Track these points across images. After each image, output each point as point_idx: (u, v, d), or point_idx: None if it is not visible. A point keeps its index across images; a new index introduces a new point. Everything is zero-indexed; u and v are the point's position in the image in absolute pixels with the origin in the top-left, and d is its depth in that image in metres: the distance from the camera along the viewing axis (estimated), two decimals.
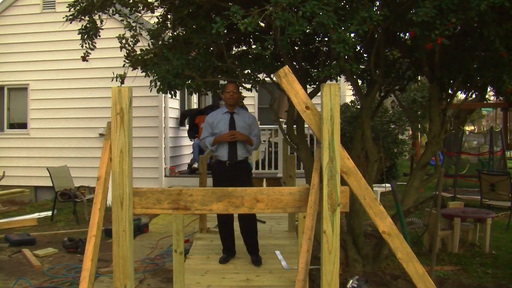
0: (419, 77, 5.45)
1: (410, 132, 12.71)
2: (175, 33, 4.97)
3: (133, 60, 4.86)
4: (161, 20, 5.03)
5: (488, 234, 5.88)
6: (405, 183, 5.16)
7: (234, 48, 5.24)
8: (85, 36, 4.71)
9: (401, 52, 4.92)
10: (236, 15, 3.21)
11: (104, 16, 4.81)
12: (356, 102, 10.05)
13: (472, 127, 37.01)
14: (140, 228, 7.03)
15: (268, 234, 6.45)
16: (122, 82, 4.83)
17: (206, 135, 4.90)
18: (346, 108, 9.94)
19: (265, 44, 3.38)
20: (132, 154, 2.52)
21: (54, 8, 9.92)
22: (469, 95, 5.14)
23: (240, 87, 5.55)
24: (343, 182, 2.42)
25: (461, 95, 9.09)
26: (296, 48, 4.87)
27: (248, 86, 5.33)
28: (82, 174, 9.31)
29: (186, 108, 11.46)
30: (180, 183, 9.17)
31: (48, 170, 8.20)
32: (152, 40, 5.00)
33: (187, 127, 11.05)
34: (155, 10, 4.90)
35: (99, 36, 4.81)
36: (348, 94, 11.86)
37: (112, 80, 4.78)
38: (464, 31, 4.19)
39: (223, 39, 4.51)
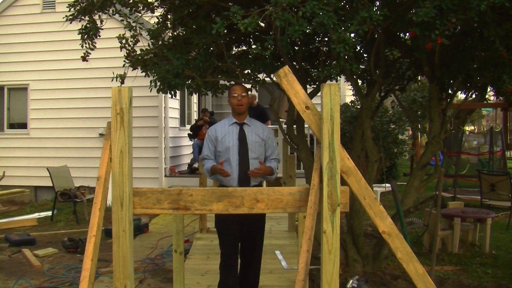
0: (419, 77, 5.45)
1: (410, 132, 12.71)
2: (175, 33, 4.96)
3: (133, 60, 4.85)
4: (161, 20, 5.03)
5: (488, 234, 5.88)
6: (405, 183, 5.16)
7: (234, 48, 5.23)
8: (85, 36, 4.71)
9: (401, 52, 4.92)
10: (236, 15, 3.21)
11: (104, 16, 4.80)
12: (356, 102, 10.06)
13: (472, 127, 37.01)
14: (140, 228, 7.04)
15: (268, 234, 6.44)
16: (122, 82, 4.83)
17: (207, 154, 3.73)
18: (346, 108, 9.94)
19: (265, 44, 3.38)
20: (132, 154, 2.51)
21: (54, 8, 9.93)
22: (469, 95, 5.15)
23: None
24: (343, 182, 2.41)
25: (461, 95, 9.11)
26: (296, 48, 4.87)
27: (248, 86, 5.33)
28: (82, 174, 9.32)
29: (186, 108, 11.48)
30: (180, 183, 9.18)
31: (48, 170, 8.20)
32: (152, 40, 5.00)
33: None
34: (155, 10, 4.90)
35: (99, 36, 4.81)
36: (348, 94, 11.87)
37: (112, 80, 4.78)
38: (464, 31, 4.19)
39: (223, 39, 4.50)
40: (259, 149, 3.68)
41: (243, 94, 3.67)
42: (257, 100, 10.49)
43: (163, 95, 8.74)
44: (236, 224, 3.65)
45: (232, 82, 4.90)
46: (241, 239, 3.77)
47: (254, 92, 6.84)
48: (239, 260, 3.92)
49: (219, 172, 3.54)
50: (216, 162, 3.64)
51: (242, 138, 3.66)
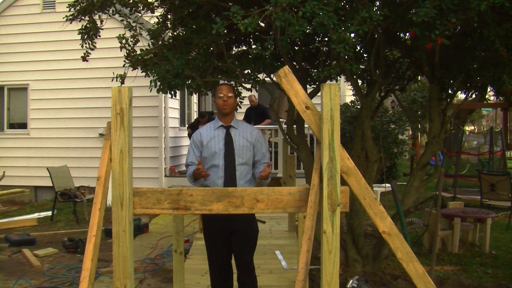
0: (419, 77, 5.45)
1: (410, 132, 12.71)
2: (175, 33, 4.96)
3: (133, 60, 4.85)
4: (161, 20, 5.02)
5: (488, 234, 5.88)
6: (405, 183, 5.16)
7: (234, 48, 5.23)
8: (85, 36, 4.71)
9: (401, 52, 4.92)
10: (236, 16, 3.21)
11: (104, 16, 4.80)
12: (356, 102, 10.05)
13: (472, 127, 37.05)
14: (140, 228, 7.03)
15: (268, 234, 6.45)
16: (122, 82, 4.83)
17: (191, 161, 3.44)
18: (346, 108, 9.94)
19: (265, 44, 3.38)
20: (132, 154, 2.51)
21: (54, 8, 9.93)
22: (469, 95, 5.15)
23: (240, 87, 5.51)
24: (343, 182, 2.41)
25: (461, 95, 9.11)
26: (296, 48, 4.87)
27: (248, 86, 5.33)
28: (82, 174, 9.32)
29: (186, 108, 11.48)
30: (180, 183, 9.17)
31: (48, 170, 8.20)
32: (152, 40, 4.99)
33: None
34: (155, 10, 4.90)
35: (99, 36, 4.81)
36: (348, 94, 11.87)
37: (112, 80, 4.78)
38: (464, 31, 4.19)
39: (223, 39, 4.50)
40: (247, 153, 3.40)
41: (229, 94, 3.40)
42: (257, 99, 10.50)
43: (163, 95, 8.74)
44: (220, 228, 3.35)
45: (232, 82, 4.90)
46: (234, 255, 3.49)
47: (254, 92, 6.84)
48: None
49: (197, 172, 3.23)
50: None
51: (228, 143, 3.38)
